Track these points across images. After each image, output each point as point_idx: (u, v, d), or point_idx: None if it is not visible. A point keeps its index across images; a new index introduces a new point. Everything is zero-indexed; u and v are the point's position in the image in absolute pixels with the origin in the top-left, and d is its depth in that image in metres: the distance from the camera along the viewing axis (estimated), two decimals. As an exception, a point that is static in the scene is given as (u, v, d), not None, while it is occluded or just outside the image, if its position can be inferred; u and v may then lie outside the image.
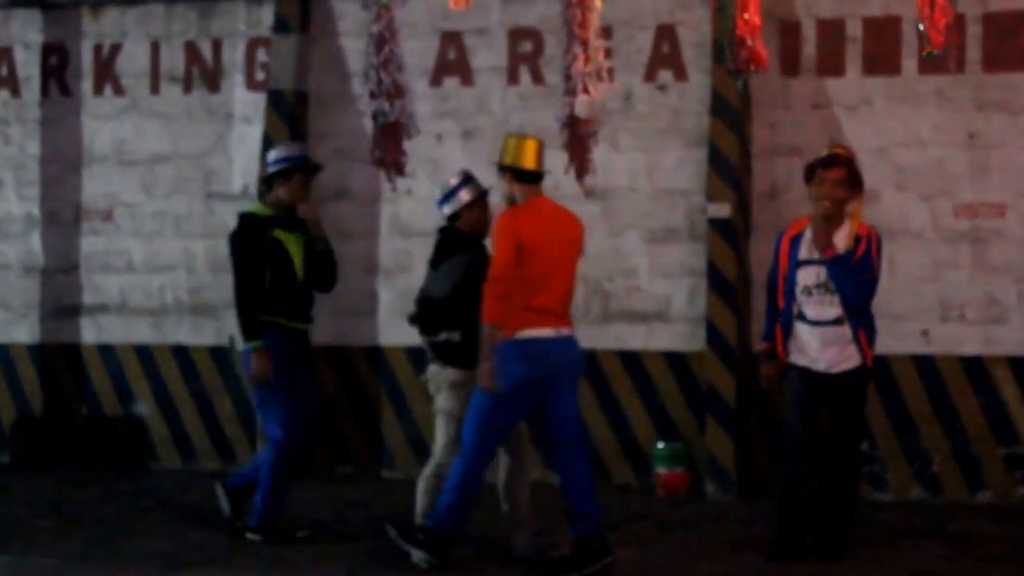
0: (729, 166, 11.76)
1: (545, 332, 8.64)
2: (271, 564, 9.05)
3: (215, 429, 13.22)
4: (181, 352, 13.31)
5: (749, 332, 11.88)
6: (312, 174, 9.93)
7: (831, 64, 11.89)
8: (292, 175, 9.80)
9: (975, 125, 11.58)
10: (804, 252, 9.04)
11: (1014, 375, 11.40)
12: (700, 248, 11.95)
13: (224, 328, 13.15)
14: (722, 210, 11.73)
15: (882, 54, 11.76)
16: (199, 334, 13.27)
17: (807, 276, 8.98)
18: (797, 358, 9.05)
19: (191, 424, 13.29)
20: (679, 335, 12.07)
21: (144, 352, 13.39)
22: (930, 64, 10.93)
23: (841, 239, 8.99)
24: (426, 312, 9.20)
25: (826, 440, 9.03)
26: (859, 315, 8.97)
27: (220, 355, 13.17)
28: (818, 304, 8.96)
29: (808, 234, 9.09)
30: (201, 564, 9.09)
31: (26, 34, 13.78)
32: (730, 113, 11.81)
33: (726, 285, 11.72)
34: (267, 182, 9.95)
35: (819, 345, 8.96)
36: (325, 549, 9.47)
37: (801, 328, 9.01)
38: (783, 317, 9.09)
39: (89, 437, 13.43)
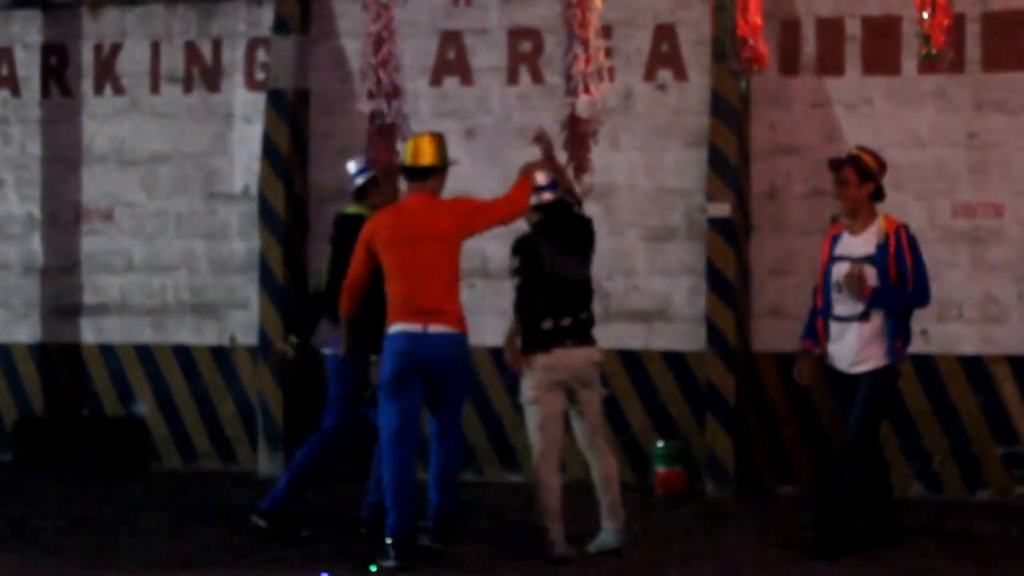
0: (729, 165, 11.77)
1: (412, 327, 8.82)
2: (271, 564, 9.06)
3: (216, 429, 13.23)
4: (182, 352, 13.32)
5: (748, 331, 11.90)
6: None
7: (831, 63, 11.90)
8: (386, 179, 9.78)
9: (974, 125, 11.59)
10: (839, 249, 9.26)
11: (1013, 374, 11.40)
12: (700, 247, 11.97)
13: (225, 328, 13.17)
14: (722, 209, 11.74)
15: (881, 53, 11.76)
16: (200, 334, 13.28)
17: (838, 272, 9.19)
18: (830, 357, 9.27)
19: (192, 424, 13.30)
20: (679, 334, 12.08)
21: (145, 352, 13.41)
22: (929, 64, 10.91)
23: (871, 236, 9.19)
24: None
25: (845, 438, 9.22)
26: (891, 316, 9.11)
27: (221, 355, 13.18)
28: (844, 301, 9.13)
29: (846, 234, 9.31)
30: (202, 564, 9.09)
31: (26, 34, 13.80)
32: (729, 112, 11.82)
33: (726, 284, 11.73)
34: (362, 190, 9.91)
35: (842, 342, 9.14)
36: (325, 548, 9.48)
37: (831, 325, 9.22)
38: (821, 314, 9.31)
39: (90, 437, 13.42)
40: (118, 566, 9.01)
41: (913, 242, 9.25)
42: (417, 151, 9.01)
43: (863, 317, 9.09)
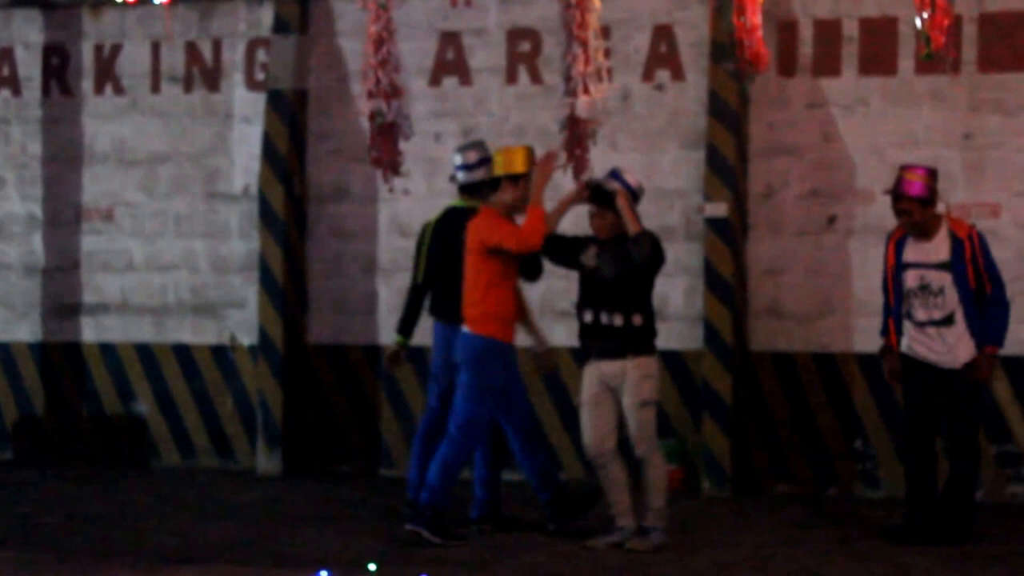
0: (726, 166, 11.80)
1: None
2: (272, 561, 9.09)
3: (215, 428, 13.26)
4: (182, 351, 13.36)
5: (745, 331, 11.93)
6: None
7: (828, 64, 11.93)
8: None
9: (970, 125, 11.63)
10: (908, 255, 9.58)
11: (1006, 374, 11.43)
12: (697, 247, 12.00)
13: (224, 327, 13.21)
14: (719, 209, 11.78)
15: (878, 54, 11.79)
16: (200, 333, 13.30)
17: (912, 279, 9.55)
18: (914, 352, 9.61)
19: (191, 423, 13.34)
20: (676, 334, 12.11)
21: (145, 351, 13.44)
22: (926, 64, 10.98)
23: (942, 242, 9.53)
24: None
25: (946, 433, 9.68)
26: (971, 315, 9.50)
27: (221, 354, 13.22)
28: (922, 306, 9.52)
29: (911, 238, 9.62)
30: (202, 561, 9.12)
31: (27, 34, 13.82)
32: (727, 113, 11.86)
33: (723, 284, 11.77)
34: (474, 185, 9.92)
35: (929, 341, 9.53)
36: (325, 547, 9.51)
37: (909, 327, 9.56)
38: (894, 315, 9.67)
39: (90, 436, 13.47)
40: (118, 563, 9.03)
41: (984, 242, 9.60)
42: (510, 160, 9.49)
43: (947, 322, 9.45)
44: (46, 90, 13.78)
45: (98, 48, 13.67)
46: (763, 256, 12.02)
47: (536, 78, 12.54)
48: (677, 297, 12.14)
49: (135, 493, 11.78)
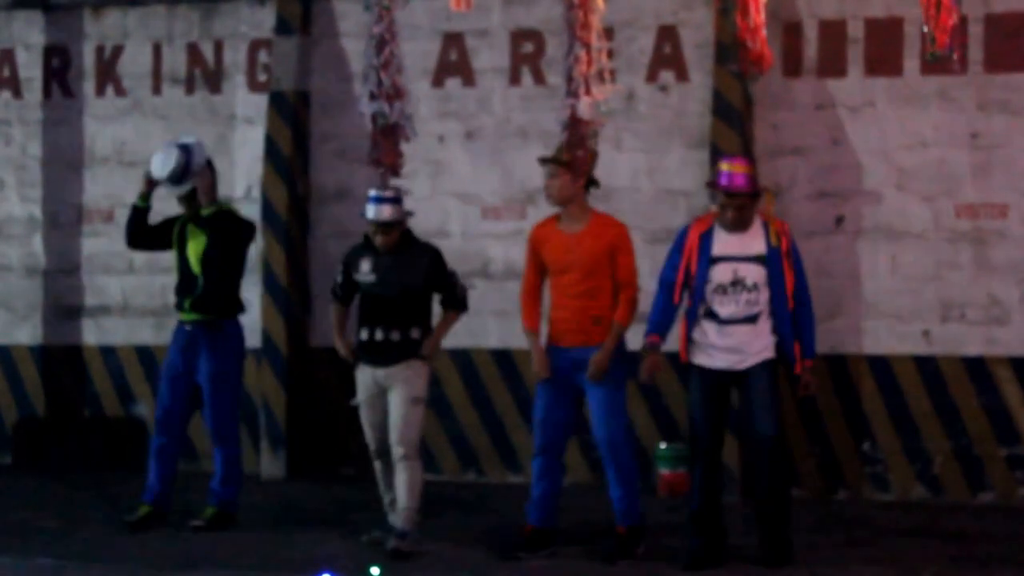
0: (730, 167, 11.74)
1: None
2: (271, 564, 9.06)
3: (217, 430, 13.21)
4: (183, 353, 13.30)
5: (751, 333, 11.87)
6: None
7: (833, 65, 11.89)
8: None
9: (977, 125, 11.58)
10: (717, 248, 8.95)
11: (1016, 375, 11.39)
12: (702, 249, 11.94)
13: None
14: (723, 211, 11.72)
15: (884, 55, 11.76)
16: (201, 335, 13.25)
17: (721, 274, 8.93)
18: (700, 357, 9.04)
19: (191, 425, 13.24)
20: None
21: (146, 353, 13.39)
22: (932, 65, 10.92)
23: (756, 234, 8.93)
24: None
25: (751, 437, 9.05)
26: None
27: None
28: (725, 302, 8.92)
29: (719, 229, 8.98)
30: (202, 564, 9.09)
31: (28, 35, 13.79)
32: (732, 114, 11.81)
33: (728, 286, 11.70)
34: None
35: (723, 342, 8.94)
36: (326, 549, 9.47)
37: (709, 326, 8.95)
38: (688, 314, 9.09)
39: (91, 438, 13.43)
40: (118, 566, 9.01)
41: (793, 238, 9.03)
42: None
43: (753, 320, 8.91)
44: (47, 92, 13.76)
45: (99, 49, 13.64)
46: (768, 258, 11.95)
47: (540, 79, 12.50)
48: (682, 299, 12.08)
49: (135, 496, 11.73)
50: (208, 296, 10.29)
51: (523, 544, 9.28)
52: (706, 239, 8.91)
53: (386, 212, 9.50)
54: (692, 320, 9.03)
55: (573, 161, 9.25)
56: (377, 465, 9.69)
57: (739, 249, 8.89)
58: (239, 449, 10.51)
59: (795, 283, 8.93)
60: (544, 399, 9.34)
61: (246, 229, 10.44)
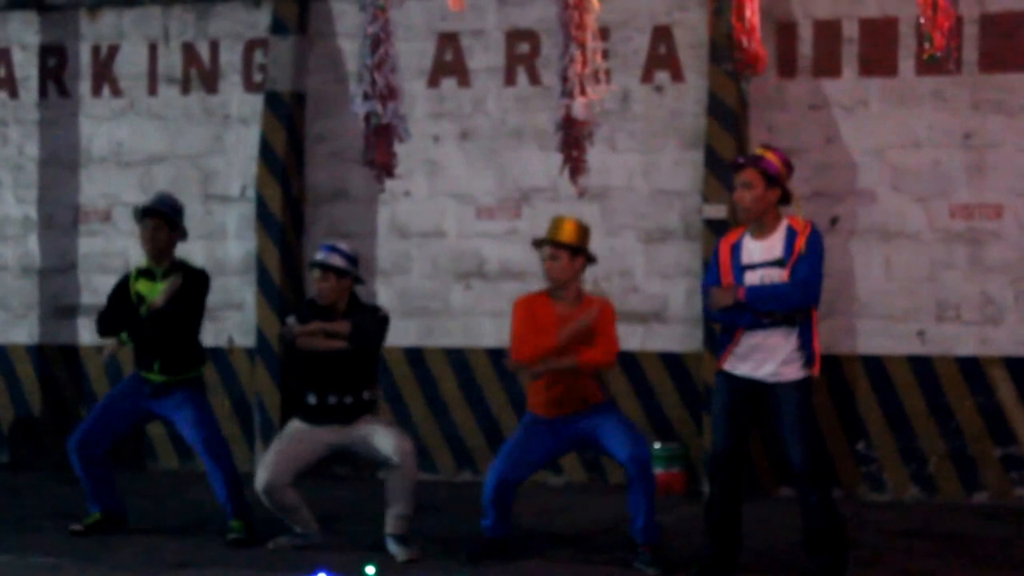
0: (725, 167, 11.76)
1: None
2: (270, 565, 9.06)
3: (213, 430, 13.22)
4: (179, 353, 13.31)
5: (746, 333, 11.88)
6: None
7: (827, 65, 11.91)
8: None
9: (971, 126, 11.60)
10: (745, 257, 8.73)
11: (1010, 375, 11.41)
12: (696, 248, 11.97)
13: (222, 329, 13.16)
14: (718, 211, 11.74)
15: (879, 55, 11.77)
16: (197, 335, 13.27)
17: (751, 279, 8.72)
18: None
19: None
20: (676, 335, 12.09)
21: (142, 353, 13.39)
22: (927, 65, 10.95)
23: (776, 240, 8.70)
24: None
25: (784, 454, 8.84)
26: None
27: (218, 355, 13.17)
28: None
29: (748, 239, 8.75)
30: (200, 564, 9.10)
31: (24, 35, 13.80)
32: (727, 114, 11.82)
33: (723, 286, 11.72)
34: None
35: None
36: (323, 549, 9.48)
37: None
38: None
39: (87, 438, 13.42)
40: (115, 566, 9.01)
41: (816, 240, 8.68)
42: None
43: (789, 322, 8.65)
44: (43, 92, 13.77)
45: (95, 50, 13.65)
46: (763, 258, 11.96)
47: (535, 79, 12.51)
48: (677, 298, 12.11)
49: (132, 496, 11.73)
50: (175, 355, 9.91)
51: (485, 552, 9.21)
52: (736, 249, 8.77)
53: (335, 259, 9.34)
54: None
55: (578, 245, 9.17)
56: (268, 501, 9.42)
57: (763, 256, 8.74)
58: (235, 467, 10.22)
59: (805, 271, 8.56)
60: (527, 437, 9.16)
61: (202, 279, 9.99)
